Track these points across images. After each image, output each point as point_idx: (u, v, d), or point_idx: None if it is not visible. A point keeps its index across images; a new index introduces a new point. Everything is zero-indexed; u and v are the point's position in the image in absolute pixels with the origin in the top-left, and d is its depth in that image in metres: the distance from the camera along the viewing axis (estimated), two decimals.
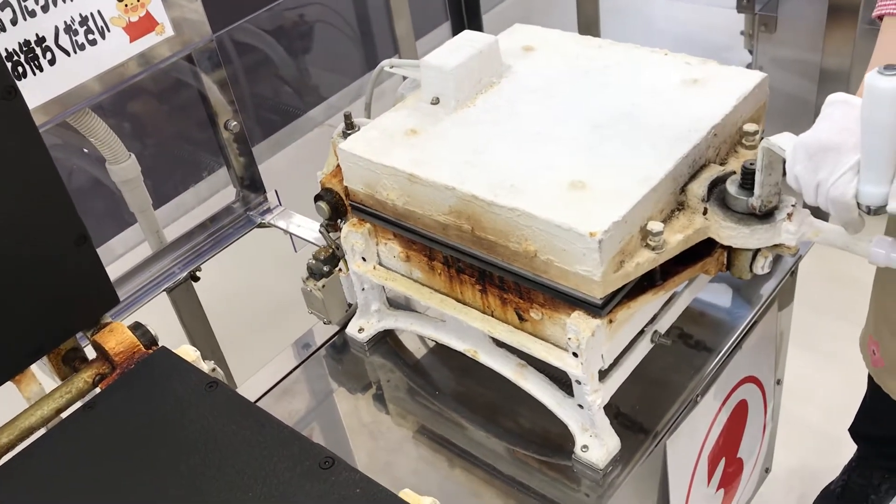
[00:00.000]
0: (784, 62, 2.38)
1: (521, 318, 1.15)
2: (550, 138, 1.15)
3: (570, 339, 1.06)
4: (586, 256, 1.00)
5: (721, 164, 1.14)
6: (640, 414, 1.25)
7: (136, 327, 1.14)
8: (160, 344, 1.14)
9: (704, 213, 1.08)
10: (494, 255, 1.10)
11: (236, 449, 0.95)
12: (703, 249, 1.12)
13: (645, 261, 1.04)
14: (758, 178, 1.01)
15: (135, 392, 1.04)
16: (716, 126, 1.12)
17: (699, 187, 1.08)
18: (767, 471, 1.84)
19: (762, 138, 1.18)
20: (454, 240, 1.14)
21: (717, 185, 1.09)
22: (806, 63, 2.32)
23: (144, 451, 0.96)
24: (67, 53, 1.36)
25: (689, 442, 1.33)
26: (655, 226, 1.03)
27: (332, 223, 1.37)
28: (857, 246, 1.00)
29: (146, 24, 1.45)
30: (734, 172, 1.10)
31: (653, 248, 1.04)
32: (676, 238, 1.06)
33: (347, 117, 1.29)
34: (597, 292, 1.02)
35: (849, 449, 2.05)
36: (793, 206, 1.04)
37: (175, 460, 0.95)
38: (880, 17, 1.11)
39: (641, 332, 1.19)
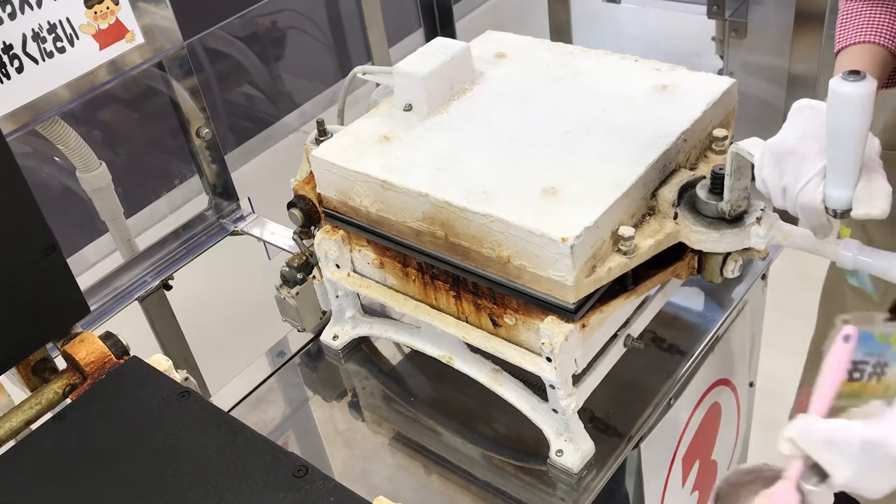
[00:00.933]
0: (754, 67, 2.41)
1: (495, 324, 1.15)
2: (523, 145, 1.16)
3: (543, 343, 1.06)
4: (558, 262, 1.00)
5: (691, 169, 1.15)
6: (614, 418, 1.25)
7: (108, 337, 1.13)
8: (132, 354, 1.13)
9: (675, 217, 1.09)
10: (468, 262, 1.11)
11: (209, 459, 0.94)
12: (674, 254, 1.13)
13: (617, 265, 1.05)
14: (727, 182, 1.03)
15: (106, 403, 1.03)
16: (685, 131, 1.13)
17: (670, 192, 1.09)
18: None
19: (732, 143, 1.19)
20: (428, 246, 1.15)
21: (687, 189, 1.10)
22: (775, 68, 2.35)
23: (116, 462, 0.96)
24: (36, 61, 1.35)
25: (663, 445, 1.34)
26: (627, 231, 1.04)
27: (305, 230, 1.36)
28: (826, 249, 1.01)
29: (116, 32, 1.44)
30: (704, 177, 1.11)
31: (624, 253, 1.05)
32: (647, 243, 1.07)
33: (320, 124, 1.28)
34: (569, 297, 1.03)
35: None
36: (762, 210, 1.06)
37: (147, 472, 0.94)
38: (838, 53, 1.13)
39: (614, 336, 1.20)
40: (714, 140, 1.18)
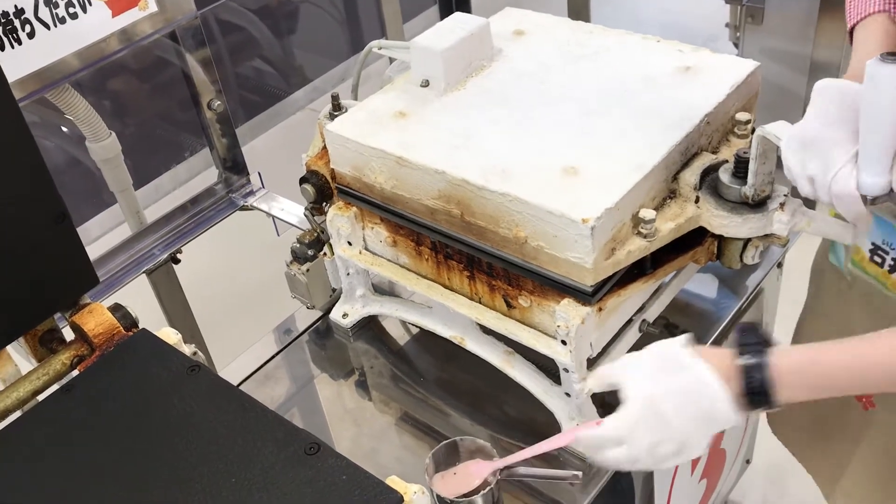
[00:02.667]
0: (772, 54, 2.38)
1: (509, 305, 1.13)
2: (542, 123, 1.13)
3: (559, 326, 1.04)
4: (578, 243, 0.98)
5: (713, 153, 1.13)
6: None
7: (117, 308, 1.11)
8: (140, 326, 1.11)
9: (696, 201, 1.07)
10: (484, 241, 1.09)
11: (220, 434, 0.93)
12: (693, 238, 1.11)
13: (636, 248, 1.03)
14: (751, 167, 1.01)
15: (114, 375, 1.02)
16: (709, 114, 1.11)
17: (691, 175, 1.07)
18: (748, 462, 1.85)
19: (754, 128, 1.17)
20: (443, 225, 1.13)
21: (709, 173, 1.08)
22: (795, 55, 2.31)
23: (124, 435, 0.94)
24: (47, 27, 1.32)
25: None
26: (647, 213, 1.02)
27: (317, 206, 1.35)
28: (848, 236, 0.99)
29: None
30: (726, 161, 1.09)
31: (644, 236, 1.03)
32: (668, 226, 1.05)
33: (335, 98, 1.26)
34: (588, 279, 1.01)
35: None
36: (785, 195, 1.04)
37: (156, 445, 0.93)
38: (852, 30, 1.10)
39: (630, 321, 1.18)
40: (737, 124, 1.16)
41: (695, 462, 1.47)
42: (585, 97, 1.17)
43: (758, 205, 1.03)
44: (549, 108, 1.16)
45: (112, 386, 1.01)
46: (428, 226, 1.15)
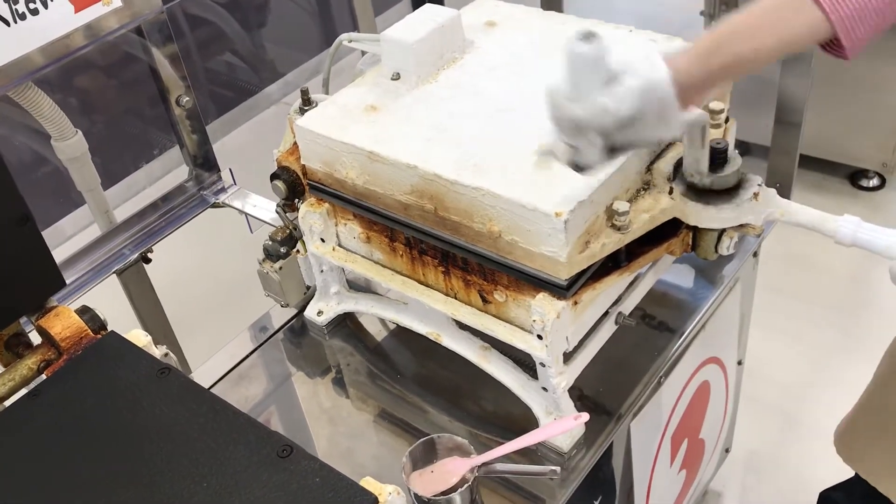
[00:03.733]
0: None
1: (484, 301, 1.12)
2: (515, 116, 1.12)
3: (534, 321, 1.03)
4: (552, 237, 0.97)
5: None
6: (603, 396, 1.24)
7: (84, 311, 1.09)
8: (109, 328, 1.09)
9: (670, 192, 1.06)
10: (458, 236, 1.08)
11: (190, 437, 0.91)
12: (668, 230, 1.10)
13: (611, 241, 1.02)
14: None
15: (82, 379, 1.00)
16: None
17: (665, 166, 1.07)
18: (727, 451, 1.85)
19: (728, 117, 1.17)
20: (416, 220, 1.11)
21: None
22: None
23: (93, 441, 0.93)
24: (7, 23, 1.29)
25: (652, 423, 1.33)
26: (621, 205, 1.01)
27: (289, 203, 1.33)
28: (825, 225, 0.99)
29: None
30: None
31: (618, 229, 1.02)
32: (642, 218, 1.04)
33: (304, 93, 1.24)
34: (562, 273, 1.00)
35: (806, 429, 2.08)
36: (759, 185, 1.03)
37: (125, 450, 0.91)
38: None
39: (606, 314, 1.18)
40: (710, 113, 1.15)
41: (674, 452, 1.47)
42: None
43: (731, 194, 1.02)
44: (522, 100, 1.15)
45: (80, 390, 0.99)
46: (402, 221, 1.14)
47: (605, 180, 1.00)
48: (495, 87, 1.18)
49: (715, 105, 1.15)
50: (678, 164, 1.07)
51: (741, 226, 1.14)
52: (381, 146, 1.10)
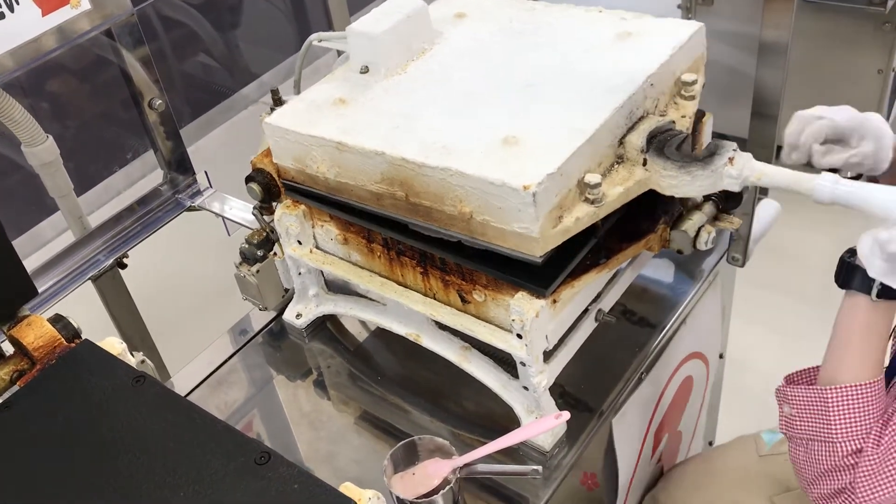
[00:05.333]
0: (723, 35, 2.38)
1: (463, 301, 1.11)
2: (483, 99, 1.11)
3: (513, 320, 1.03)
4: (522, 212, 0.95)
5: (661, 116, 1.10)
6: (585, 393, 1.23)
7: (57, 320, 1.08)
8: (84, 337, 1.07)
9: (644, 164, 1.04)
10: (431, 222, 1.05)
11: (166, 447, 0.90)
12: (646, 226, 1.10)
13: (585, 215, 0.99)
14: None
15: (56, 389, 0.99)
16: (651, 76, 1.08)
17: (638, 138, 1.04)
18: (711, 444, 1.85)
19: (703, 112, 1.16)
20: (389, 209, 1.09)
21: (656, 136, 1.05)
22: (745, 36, 2.32)
23: (67, 452, 0.91)
24: None
25: (635, 419, 1.33)
26: (593, 178, 0.99)
27: (265, 205, 1.31)
28: (802, 185, 0.97)
29: None
30: (673, 122, 1.07)
31: (592, 202, 1.00)
32: (616, 191, 1.02)
33: (275, 93, 1.23)
34: (536, 250, 0.98)
35: None
36: (734, 150, 1.01)
37: (101, 461, 0.89)
38: None
39: (585, 311, 1.17)
40: (683, 85, 1.14)
41: (656, 446, 1.47)
42: (527, 72, 1.14)
43: (706, 162, 1.00)
44: (491, 85, 1.13)
45: (54, 401, 0.97)
46: (376, 213, 1.12)
47: (574, 152, 0.97)
48: (465, 75, 1.16)
49: (687, 77, 1.13)
50: (651, 136, 1.05)
51: (717, 220, 1.14)
52: (348, 136, 1.08)
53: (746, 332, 2.01)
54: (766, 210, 1.42)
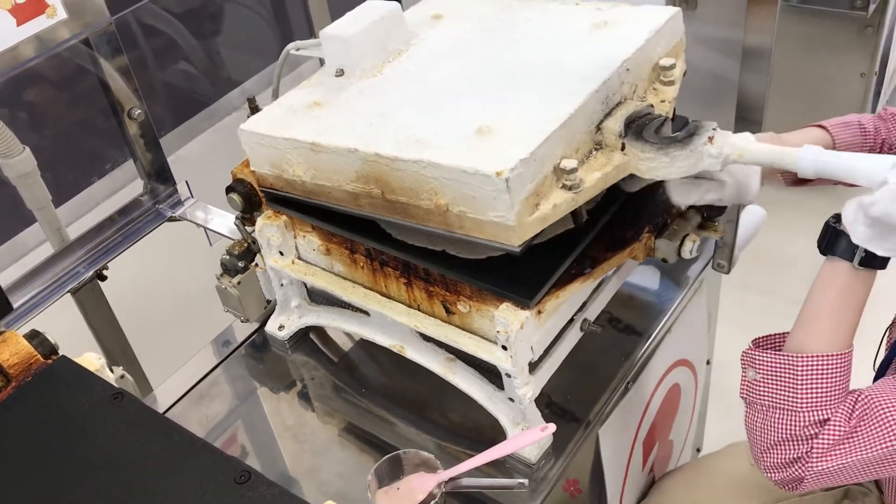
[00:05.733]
0: (706, 40, 2.39)
1: (448, 311, 1.10)
2: (458, 95, 1.09)
3: (498, 332, 1.01)
4: (496, 200, 0.93)
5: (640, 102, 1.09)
6: (571, 403, 1.22)
7: (34, 335, 1.06)
8: (62, 351, 1.06)
9: (622, 149, 1.02)
10: (408, 219, 1.04)
11: (144, 465, 0.88)
12: (630, 235, 1.09)
13: (562, 202, 0.97)
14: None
15: (32, 407, 0.97)
16: (627, 60, 1.06)
17: (615, 123, 1.02)
18: (698, 450, 1.85)
19: (683, 73, 1.13)
20: (367, 209, 1.08)
21: (634, 120, 1.03)
22: (728, 41, 2.32)
23: (44, 471, 0.89)
24: None
25: (623, 429, 1.32)
26: (569, 163, 0.96)
27: (247, 216, 1.30)
28: (784, 159, 0.95)
29: (35, 6, 1.34)
30: (651, 106, 1.05)
31: (569, 188, 0.97)
32: (594, 176, 0.99)
33: (251, 101, 1.22)
34: (514, 240, 0.95)
35: None
36: (714, 129, 0.99)
37: (78, 481, 0.88)
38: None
39: (571, 321, 1.16)
40: (661, 70, 1.12)
41: (646, 456, 1.46)
42: (504, 67, 1.12)
43: (686, 142, 0.98)
44: (466, 81, 1.12)
45: (30, 419, 0.96)
46: (354, 214, 1.09)
47: (548, 137, 0.95)
48: (440, 74, 1.14)
49: (665, 62, 1.11)
50: (629, 121, 1.03)
51: (702, 228, 1.14)
52: (321, 136, 1.06)
53: (732, 336, 2.00)
54: (750, 217, 1.42)
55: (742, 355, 1.08)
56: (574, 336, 1.17)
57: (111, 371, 1.12)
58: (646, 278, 1.41)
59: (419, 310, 1.14)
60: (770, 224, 1.50)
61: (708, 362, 1.66)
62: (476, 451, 1.15)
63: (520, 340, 1.01)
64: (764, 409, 1.03)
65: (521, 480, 1.05)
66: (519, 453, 1.12)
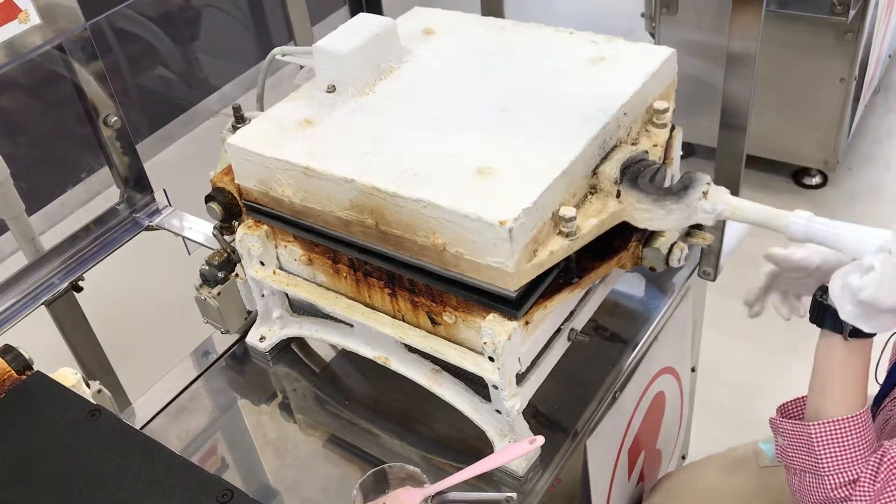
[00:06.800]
0: (688, 45, 2.38)
1: (433, 322, 1.08)
2: (454, 124, 1.08)
3: (485, 343, 1.00)
4: (497, 247, 0.93)
5: (633, 145, 1.09)
6: (558, 413, 1.21)
7: (7, 351, 1.03)
8: (36, 367, 1.03)
9: (618, 195, 1.03)
10: (402, 251, 1.03)
11: (123, 484, 0.86)
12: (618, 243, 1.08)
13: (559, 248, 0.98)
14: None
15: (6, 424, 0.94)
16: (625, 105, 1.07)
17: (611, 169, 1.03)
18: (684, 458, 1.84)
19: (673, 125, 1.14)
20: (358, 237, 1.07)
21: (629, 166, 1.04)
22: (711, 46, 2.32)
23: (17, 493, 0.86)
24: None
25: (609, 439, 1.30)
26: (568, 211, 0.97)
27: (226, 225, 1.27)
28: (776, 221, 0.96)
29: (7, 12, 1.31)
30: (646, 152, 1.05)
31: (566, 235, 0.98)
32: (590, 223, 1.00)
33: (237, 110, 1.19)
34: (510, 285, 0.96)
35: (760, 429, 2.08)
36: (708, 184, 1.00)
37: (54, 501, 0.85)
38: None
39: (558, 331, 1.14)
40: (654, 113, 1.13)
41: (632, 465, 1.45)
42: (498, 94, 1.12)
43: (680, 195, 0.99)
44: (462, 108, 1.11)
45: (4, 436, 0.93)
46: (343, 239, 1.09)
47: (550, 186, 0.96)
48: (434, 97, 1.14)
49: (659, 104, 1.12)
50: (625, 167, 1.03)
51: (690, 235, 1.13)
52: (316, 161, 1.05)
53: (716, 342, 2.00)
54: (736, 224, 1.41)
55: (770, 422, 1.12)
56: (561, 346, 1.15)
57: (88, 386, 1.09)
58: (631, 286, 1.40)
59: (404, 321, 1.12)
60: (755, 231, 1.49)
61: (693, 370, 1.66)
62: (462, 462, 1.13)
63: (507, 352, 0.99)
64: (797, 472, 1.06)
65: (509, 494, 1.03)
66: (507, 466, 1.11)
